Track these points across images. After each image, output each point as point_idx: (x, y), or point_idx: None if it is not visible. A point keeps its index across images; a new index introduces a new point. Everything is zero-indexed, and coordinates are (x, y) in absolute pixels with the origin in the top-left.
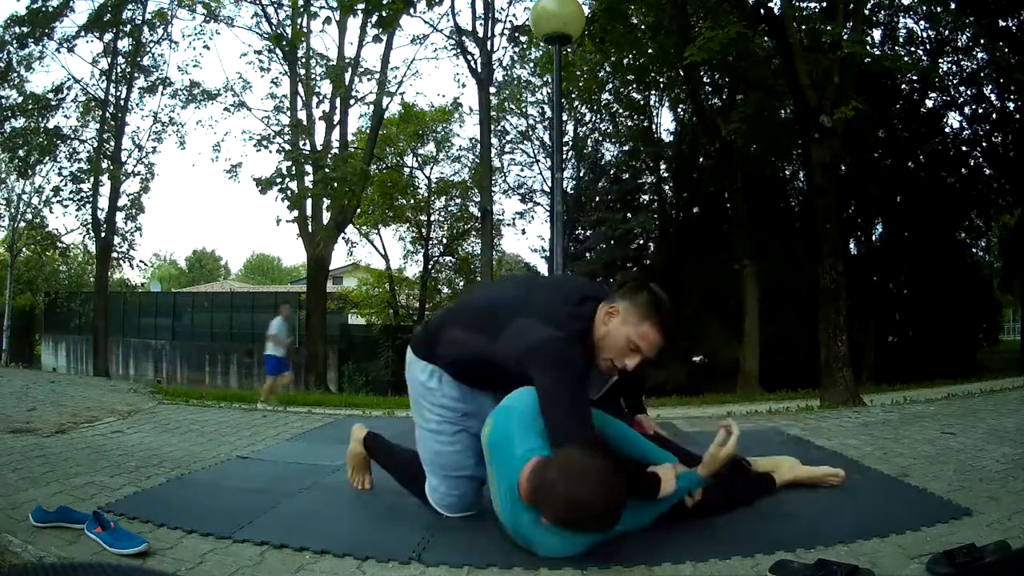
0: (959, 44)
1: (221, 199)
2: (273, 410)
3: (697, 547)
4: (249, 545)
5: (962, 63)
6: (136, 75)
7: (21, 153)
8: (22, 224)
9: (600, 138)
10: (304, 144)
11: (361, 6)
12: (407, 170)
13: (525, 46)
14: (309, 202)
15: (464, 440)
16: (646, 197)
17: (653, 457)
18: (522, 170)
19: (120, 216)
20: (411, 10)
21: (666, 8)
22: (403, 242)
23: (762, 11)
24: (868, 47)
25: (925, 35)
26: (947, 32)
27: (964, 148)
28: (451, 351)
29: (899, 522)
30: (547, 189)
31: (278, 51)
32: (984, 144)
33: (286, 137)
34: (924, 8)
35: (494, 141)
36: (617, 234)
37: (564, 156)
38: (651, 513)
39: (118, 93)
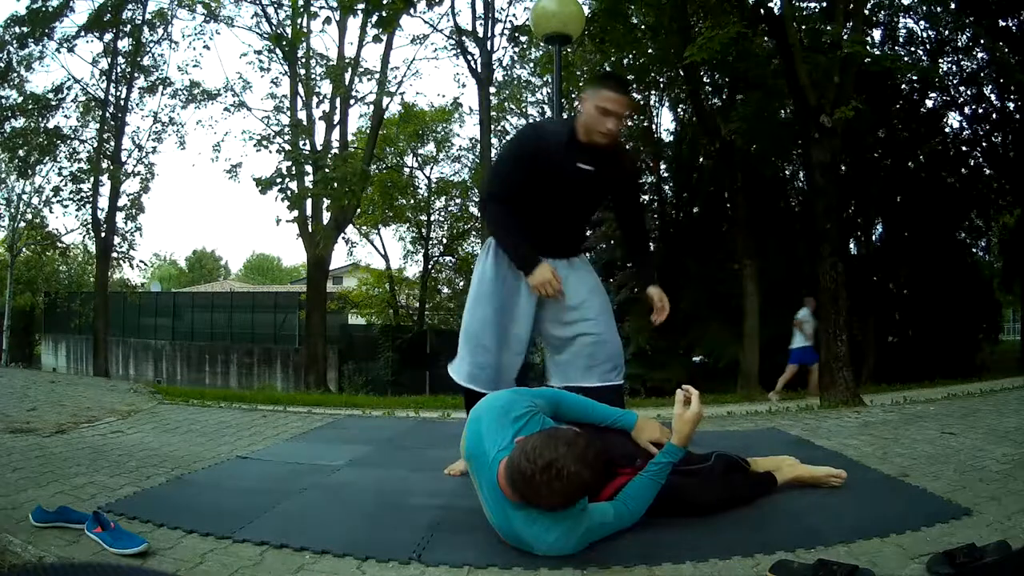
0: (959, 44)
1: (221, 199)
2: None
3: (697, 547)
4: (249, 545)
5: (962, 63)
6: (136, 75)
7: (21, 153)
8: (22, 224)
9: None
10: (304, 144)
11: (361, 6)
12: (407, 170)
13: (525, 46)
14: (309, 202)
15: (486, 313)
16: (646, 197)
17: (616, 416)
18: None
19: (120, 216)
20: (411, 10)
21: (666, 8)
22: (403, 242)
23: (762, 11)
24: (868, 47)
25: (925, 35)
26: (947, 32)
27: (964, 148)
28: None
29: (899, 522)
30: None
31: (278, 51)
32: (984, 144)
33: (286, 137)
34: (924, 8)
35: (494, 141)
36: (617, 234)
37: None
38: (642, 502)
39: (118, 93)
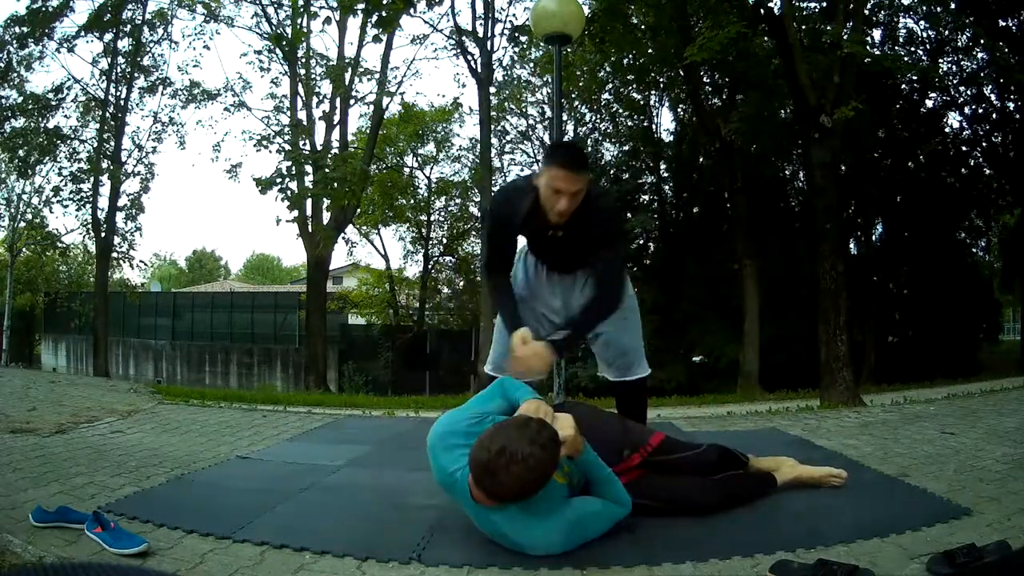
0: (959, 44)
1: (221, 199)
2: None
3: (697, 547)
4: (249, 545)
5: (962, 63)
6: (136, 75)
7: (21, 153)
8: (22, 224)
9: (600, 138)
10: (304, 144)
11: (361, 6)
12: (407, 170)
13: (525, 46)
14: (309, 202)
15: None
16: (646, 197)
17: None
18: (522, 170)
19: (120, 216)
20: (411, 10)
21: (666, 8)
22: (403, 242)
23: (762, 11)
24: (868, 47)
25: (925, 35)
26: (947, 32)
27: (964, 148)
28: None
29: (899, 522)
30: None
31: (278, 51)
32: (984, 144)
33: (286, 137)
34: (924, 8)
35: (494, 141)
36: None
37: None
38: (618, 489)
39: (118, 93)
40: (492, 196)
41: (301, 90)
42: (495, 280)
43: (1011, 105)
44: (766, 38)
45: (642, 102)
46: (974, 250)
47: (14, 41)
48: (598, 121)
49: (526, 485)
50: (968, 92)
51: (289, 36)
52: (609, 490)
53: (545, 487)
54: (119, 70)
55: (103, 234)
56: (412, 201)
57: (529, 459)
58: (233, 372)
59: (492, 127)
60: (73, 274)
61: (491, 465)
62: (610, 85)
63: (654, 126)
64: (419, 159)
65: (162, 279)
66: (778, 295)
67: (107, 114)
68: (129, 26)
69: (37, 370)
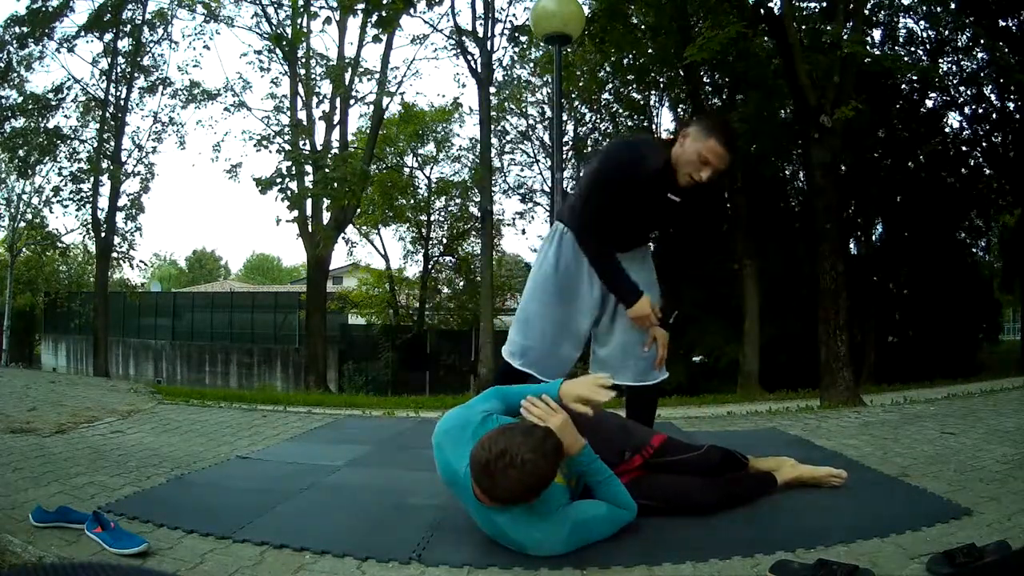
0: (959, 44)
1: (221, 199)
2: None
3: (697, 547)
4: (249, 545)
5: (962, 63)
6: (136, 75)
7: (21, 153)
8: (22, 224)
9: (600, 138)
10: (304, 144)
11: (361, 6)
12: (407, 170)
13: (525, 46)
14: (309, 202)
15: (545, 302)
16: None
17: (543, 390)
18: (522, 170)
19: (120, 216)
20: (411, 10)
21: (666, 8)
22: (403, 242)
23: (762, 11)
24: (868, 47)
25: (925, 35)
26: (947, 32)
27: (964, 148)
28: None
29: (899, 522)
30: (547, 189)
31: (278, 51)
32: (984, 144)
33: (286, 137)
34: (924, 8)
35: (494, 141)
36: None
37: (564, 156)
38: (622, 495)
39: (118, 93)
40: (616, 150)
41: (301, 90)
42: (602, 249)
43: (1011, 105)
44: (766, 38)
45: (642, 102)
46: (974, 250)
47: (14, 41)
48: (598, 121)
49: (523, 490)
50: (968, 92)
51: (289, 36)
52: (613, 494)
53: (546, 490)
54: (119, 70)
55: (103, 234)
56: (412, 201)
57: (527, 465)
58: (233, 372)
59: (492, 127)
60: (73, 274)
61: (489, 467)
62: (610, 85)
63: (654, 126)
64: (419, 159)
65: (162, 279)
66: (778, 295)
67: (107, 114)
68: (129, 26)
69: (37, 370)
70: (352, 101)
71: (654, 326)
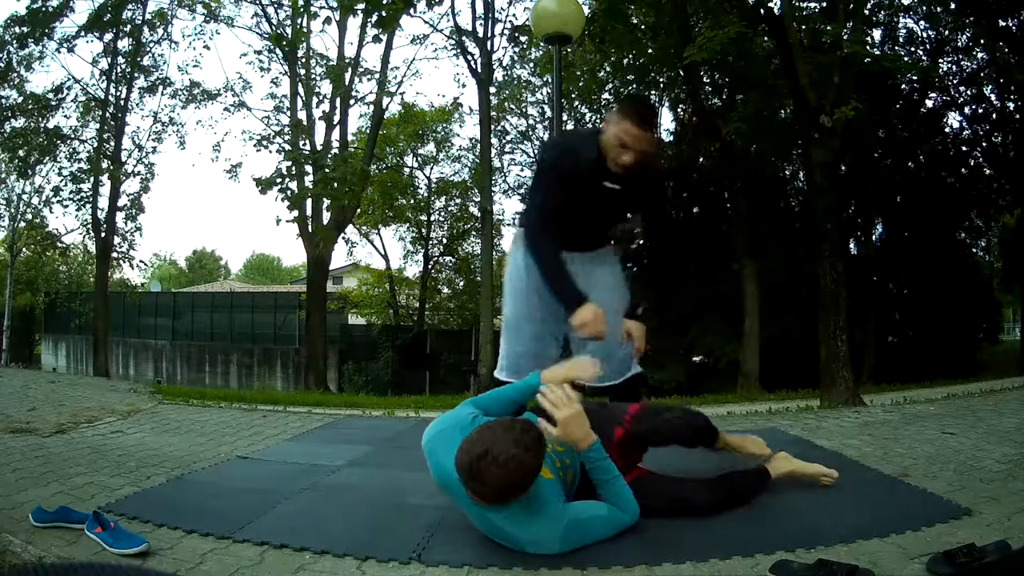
0: (959, 44)
1: (221, 199)
2: None
3: (697, 547)
4: (249, 545)
5: (962, 63)
6: (136, 75)
7: (21, 153)
8: (22, 224)
9: None
10: (304, 144)
11: (361, 6)
12: (407, 170)
13: (525, 46)
14: (309, 202)
15: (520, 306)
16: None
17: (524, 387)
18: (522, 170)
19: (120, 216)
20: (411, 10)
21: (666, 8)
22: (403, 242)
23: (762, 11)
24: (868, 47)
25: (925, 35)
26: (947, 32)
27: (964, 148)
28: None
29: (899, 522)
30: None
31: (278, 51)
32: (984, 144)
33: (286, 137)
34: (924, 8)
35: (494, 141)
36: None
37: None
38: (625, 498)
39: (118, 93)
40: (552, 146)
41: (301, 90)
42: (547, 247)
43: (1011, 105)
44: (766, 38)
45: None
46: (974, 250)
47: (14, 41)
48: (598, 121)
49: (509, 487)
50: (968, 92)
51: (289, 36)
52: (617, 496)
53: (535, 485)
54: (119, 70)
55: (103, 234)
56: (412, 201)
57: (511, 461)
58: (233, 372)
59: (492, 127)
60: (73, 274)
61: (473, 468)
62: (610, 85)
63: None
64: (419, 159)
65: (162, 279)
66: (778, 295)
67: (107, 114)
68: (129, 26)
69: (37, 370)
70: (352, 101)
71: (601, 332)
